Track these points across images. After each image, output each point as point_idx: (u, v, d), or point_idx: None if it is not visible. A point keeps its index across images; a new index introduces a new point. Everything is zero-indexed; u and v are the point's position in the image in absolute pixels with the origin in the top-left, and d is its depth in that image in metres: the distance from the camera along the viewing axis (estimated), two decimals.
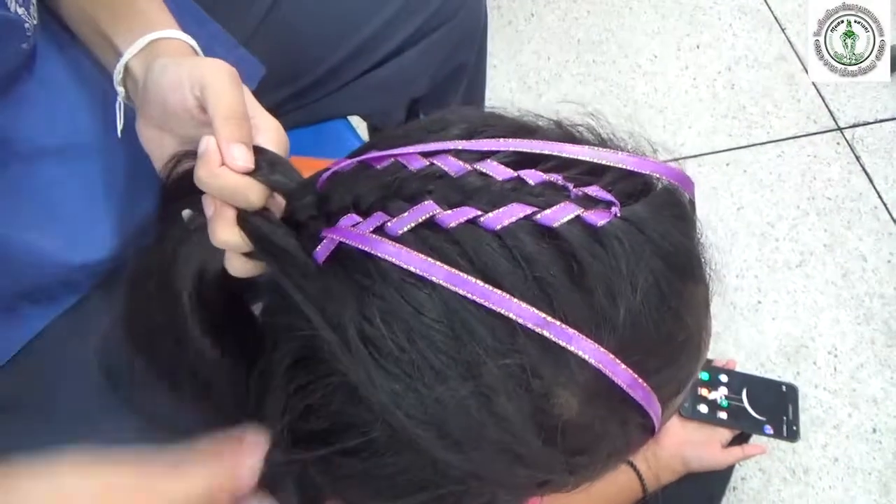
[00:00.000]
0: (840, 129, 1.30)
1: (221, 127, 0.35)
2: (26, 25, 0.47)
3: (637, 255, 0.28)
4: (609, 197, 0.29)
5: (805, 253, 1.19)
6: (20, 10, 0.46)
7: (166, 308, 0.37)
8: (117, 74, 0.46)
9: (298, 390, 0.32)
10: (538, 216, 0.28)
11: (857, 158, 1.28)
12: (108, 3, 0.48)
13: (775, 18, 1.41)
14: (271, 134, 0.39)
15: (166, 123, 0.41)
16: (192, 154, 0.37)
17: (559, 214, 0.28)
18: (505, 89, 1.32)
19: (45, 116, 0.49)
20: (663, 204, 0.31)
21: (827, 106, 1.32)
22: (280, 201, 0.36)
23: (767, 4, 1.42)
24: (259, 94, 0.65)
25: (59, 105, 0.50)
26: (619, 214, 0.29)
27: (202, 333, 0.36)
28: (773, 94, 1.33)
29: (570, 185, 0.30)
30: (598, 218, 0.28)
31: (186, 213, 0.39)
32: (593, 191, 0.30)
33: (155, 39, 0.45)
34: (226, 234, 0.34)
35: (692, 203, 0.33)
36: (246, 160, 0.34)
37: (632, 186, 0.31)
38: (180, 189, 0.38)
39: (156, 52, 0.45)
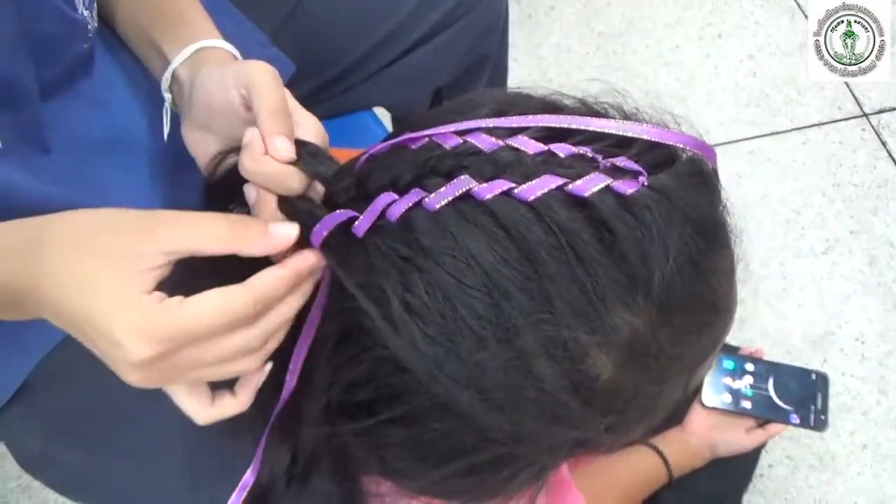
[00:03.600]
0: (866, 115, 1.29)
1: (265, 121, 0.38)
2: (89, 27, 0.49)
3: (667, 222, 0.30)
4: (637, 167, 0.30)
5: (831, 240, 1.18)
6: (85, 13, 0.48)
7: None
8: (165, 81, 0.49)
9: (344, 364, 0.34)
10: (570, 186, 0.29)
11: (884, 144, 1.27)
12: (158, 14, 0.51)
13: (798, 5, 1.40)
14: (311, 129, 0.41)
15: (211, 124, 0.44)
16: (235, 151, 0.40)
17: (590, 184, 0.29)
18: (526, 81, 1.32)
19: (98, 112, 0.52)
20: (688, 173, 0.32)
21: (852, 92, 1.31)
22: (320, 189, 0.38)
23: None
24: (286, 87, 0.67)
25: (111, 103, 0.54)
26: (646, 184, 0.30)
27: None
28: (797, 82, 1.32)
29: (599, 157, 0.31)
30: (626, 187, 0.30)
31: (233, 207, 0.41)
32: (621, 161, 0.31)
33: (200, 48, 0.48)
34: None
35: (715, 172, 0.34)
36: (288, 151, 0.37)
37: (657, 157, 0.32)
38: (224, 185, 0.40)
39: (201, 61, 0.48)
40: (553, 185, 0.29)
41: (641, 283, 0.29)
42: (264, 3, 0.69)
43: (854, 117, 1.29)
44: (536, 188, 0.29)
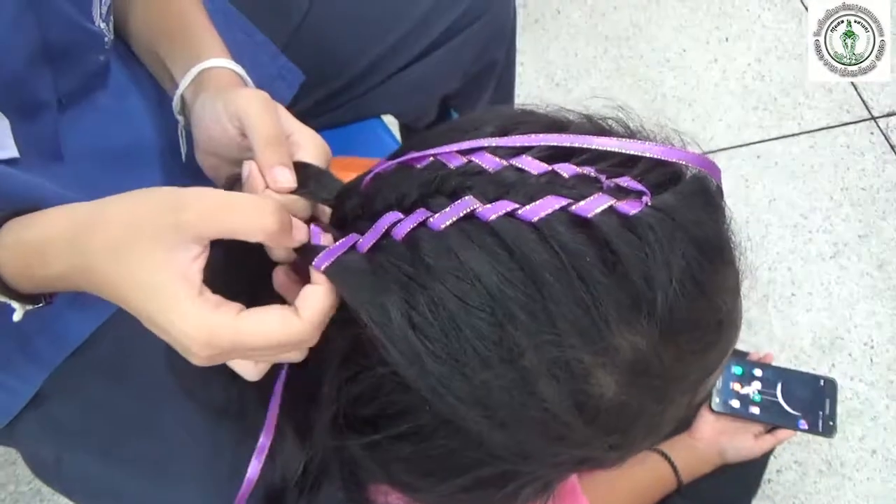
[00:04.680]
0: (874, 118, 1.29)
1: (261, 153, 0.38)
2: (105, 39, 0.50)
3: (670, 242, 0.30)
4: (640, 187, 0.31)
5: (839, 244, 1.18)
6: (102, 25, 0.49)
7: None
8: (175, 105, 0.49)
9: (351, 379, 0.34)
10: (573, 207, 0.30)
11: (893, 148, 1.26)
12: (166, 34, 0.51)
13: (805, 8, 1.39)
14: (310, 147, 0.41)
15: (216, 151, 0.45)
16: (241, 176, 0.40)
17: (593, 205, 0.30)
18: (533, 86, 1.32)
19: (114, 122, 0.53)
20: (692, 192, 0.32)
21: (860, 95, 1.31)
22: (327, 209, 0.38)
23: None
24: (295, 96, 0.68)
25: (127, 113, 0.54)
26: (650, 203, 0.30)
27: None
28: (804, 85, 1.31)
29: (603, 177, 0.31)
30: (630, 207, 0.30)
31: None
32: (625, 181, 0.31)
33: (203, 70, 0.48)
34: (280, 252, 0.37)
35: (720, 189, 0.34)
36: (288, 181, 0.37)
37: (662, 176, 0.32)
38: None
39: (203, 84, 0.48)
40: (556, 206, 0.30)
41: (645, 304, 0.30)
42: (274, 15, 0.70)
43: (862, 120, 1.29)
44: (540, 209, 0.30)
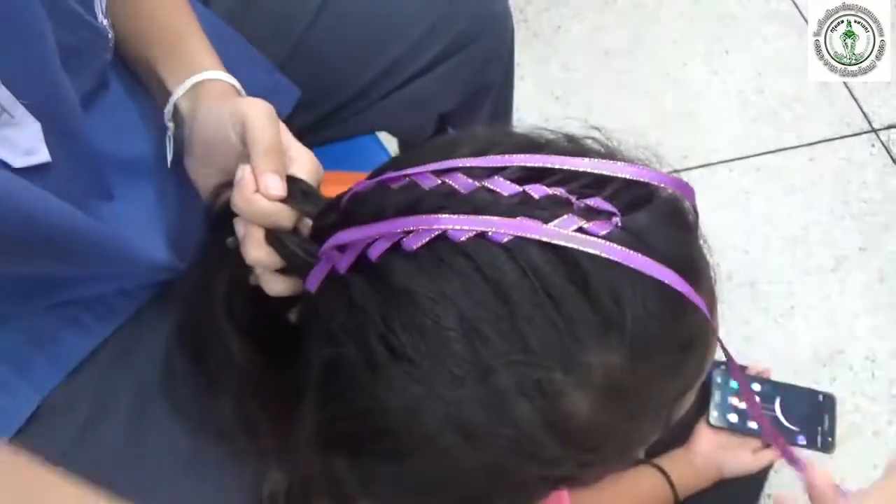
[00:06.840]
0: (875, 130, 1.29)
1: (258, 159, 0.39)
2: (109, 35, 0.50)
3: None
4: (610, 207, 0.31)
5: (840, 257, 1.18)
6: (105, 21, 0.49)
7: (207, 317, 0.40)
8: (167, 113, 0.50)
9: (327, 399, 0.35)
10: (542, 228, 0.30)
11: (894, 160, 1.26)
12: (159, 45, 0.52)
13: (805, 21, 1.40)
14: (304, 163, 0.42)
15: (210, 158, 0.45)
16: (231, 184, 0.40)
17: (563, 226, 0.30)
18: (533, 101, 1.33)
19: (116, 129, 0.52)
20: (664, 212, 0.32)
21: (860, 108, 1.31)
22: (309, 223, 0.39)
23: (797, 7, 1.41)
24: (292, 113, 0.68)
25: (126, 120, 0.54)
26: (619, 224, 0.31)
27: (235, 333, 0.39)
28: (805, 98, 1.31)
29: (574, 198, 0.31)
30: (599, 228, 0.30)
31: (231, 241, 0.42)
32: (595, 202, 0.31)
33: (200, 81, 0.48)
34: (255, 252, 0.37)
35: (693, 209, 0.34)
36: (279, 188, 0.38)
37: (634, 196, 0.33)
38: (226, 214, 0.42)
39: (201, 94, 0.48)
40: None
41: (614, 324, 0.30)
42: (271, 35, 0.71)
43: (863, 133, 1.29)
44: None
